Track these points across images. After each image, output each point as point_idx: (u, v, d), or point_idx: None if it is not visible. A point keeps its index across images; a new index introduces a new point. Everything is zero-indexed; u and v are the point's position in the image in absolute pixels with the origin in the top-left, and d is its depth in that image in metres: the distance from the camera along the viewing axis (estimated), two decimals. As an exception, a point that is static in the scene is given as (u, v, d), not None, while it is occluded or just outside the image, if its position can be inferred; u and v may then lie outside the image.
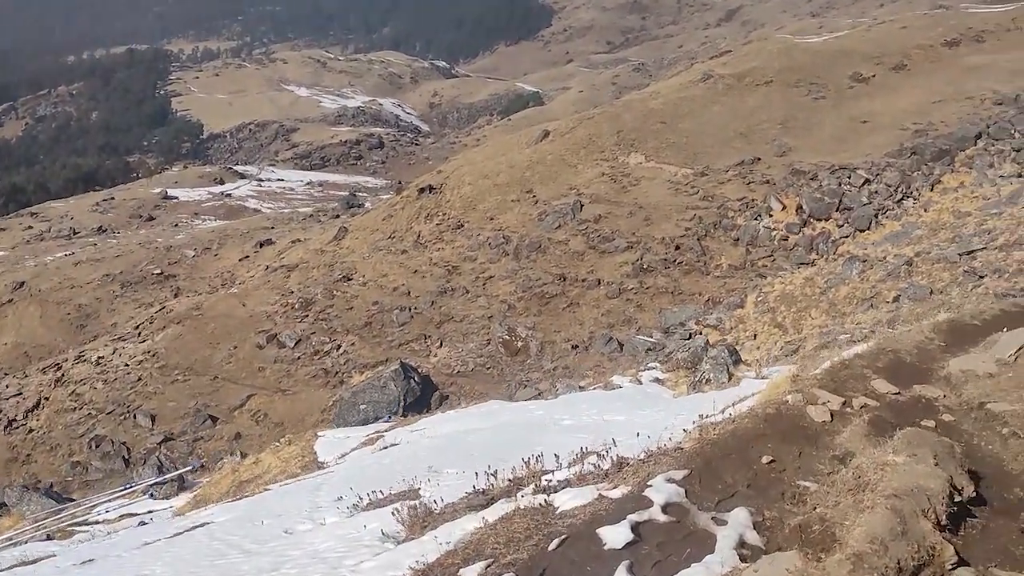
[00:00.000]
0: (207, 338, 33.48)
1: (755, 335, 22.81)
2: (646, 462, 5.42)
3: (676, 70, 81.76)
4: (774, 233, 30.82)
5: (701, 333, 24.95)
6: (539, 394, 21.14)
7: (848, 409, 5.73)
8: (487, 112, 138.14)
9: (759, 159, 35.49)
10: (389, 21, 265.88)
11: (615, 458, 5.84)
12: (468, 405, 18.44)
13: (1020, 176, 25.50)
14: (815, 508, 4.26)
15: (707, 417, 6.41)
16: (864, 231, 28.70)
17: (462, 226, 37.68)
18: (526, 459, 6.51)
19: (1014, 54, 41.00)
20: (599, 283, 31.08)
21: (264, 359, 31.80)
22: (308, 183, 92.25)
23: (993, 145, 30.85)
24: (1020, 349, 6.31)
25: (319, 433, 17.67)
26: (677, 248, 31.55)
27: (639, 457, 5.68)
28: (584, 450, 6.88)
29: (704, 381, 14.47)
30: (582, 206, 35.22)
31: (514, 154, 44.10)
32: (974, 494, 4.30)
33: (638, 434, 6.51)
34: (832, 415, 5.53)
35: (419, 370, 27.95)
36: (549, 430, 11.20)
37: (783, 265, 28.96)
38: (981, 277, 18.66)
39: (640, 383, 16.29)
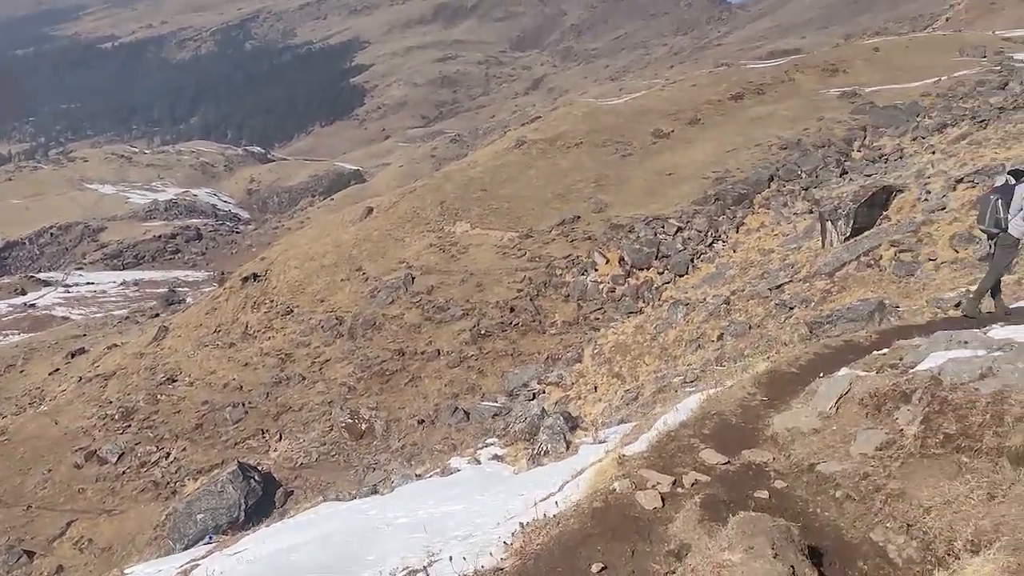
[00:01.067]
0: (16, 464, 30.25)
1: (596, 387, 23.14)
2: (462, 593, 4.99)
3: (491, 139, 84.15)
4: (601, 286, 31.75)
5: (544, 392, 25.09)
6: (383, 478, 20.22)
7: (679, 489, 5.44)
8: (308, 194, 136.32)
9: (579, 217, 36.69)
10: (196, 111, 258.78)
11: (430, 591, 5.39)
12: (296, 513, 17.09)
13: (811, 212, 27.66)
14: (652, 629, 3.94)
15: (537, 509, 5.98)
16: (683, 276, 30.10)
17: (292, 311, 36.39)
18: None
19: (790, 103, 45.15)
20: (439, 354, 30.70)
21: (84, 479, 29.00)
22: (122, 283, 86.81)
23: (785, 186, 33.50)
24: (840, 399, 6.21)
25: (126, 571, 15.74)
26: (512, 310, 31.80)
27: (455, 587, 5.22)
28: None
29: (543, 453, 13.98)
30: (413, 279, 34.95)
31: (339, 233, 43.41)
32: (819, 581, 4.10)
33: (451, 559, 6.01)
34: (663, 499, 5.19)
35: (259, 468, 26.34)
36: (381, 534, 10.45)
37: (614, 316, 29.79)
38: (791, 308, 19.81)
39: (479, 463, 15.57)
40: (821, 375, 7.11)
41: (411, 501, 12.72)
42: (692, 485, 5.43)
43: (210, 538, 20.80)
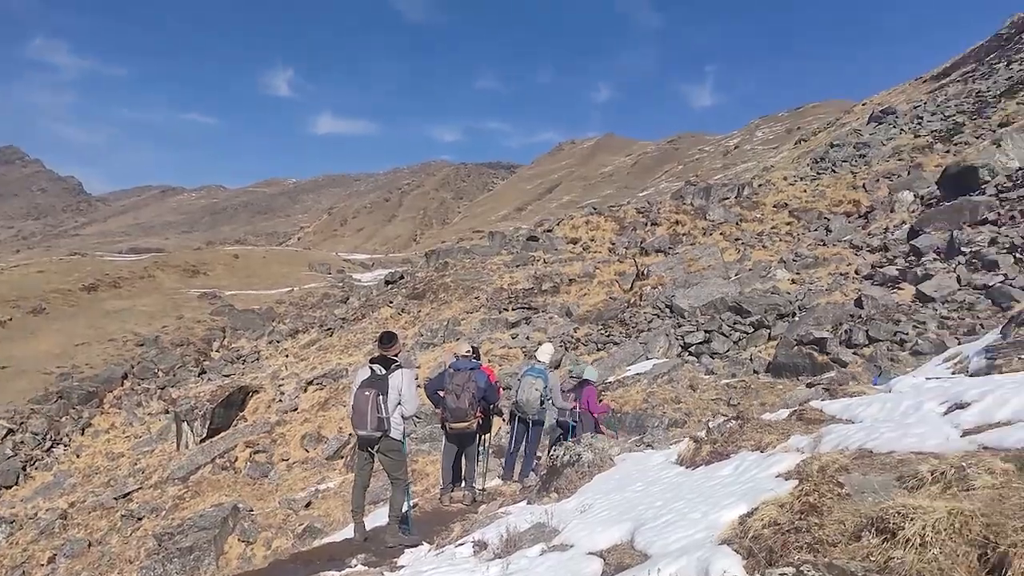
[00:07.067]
0: None
1: None
2: None
3: None
4: None
5: None
6: None
7: None
8: None
9: None
10: None
11: None
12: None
13: (167, 412, 26.34)
14: None
15: None
16: (11, 487, 25.38)
17: None
18: None
19: (148, 299, 43.93)
20: None
21: None
22: None
23: (140, 384, 31.60)
24: None
25: None
26: None
27: None
28: None
29: None
30: None
31: None
32: None
33: None
34: None
35: None
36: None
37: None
38: (139, 519, 18.00)
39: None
40: None
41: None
42: None
43: None
